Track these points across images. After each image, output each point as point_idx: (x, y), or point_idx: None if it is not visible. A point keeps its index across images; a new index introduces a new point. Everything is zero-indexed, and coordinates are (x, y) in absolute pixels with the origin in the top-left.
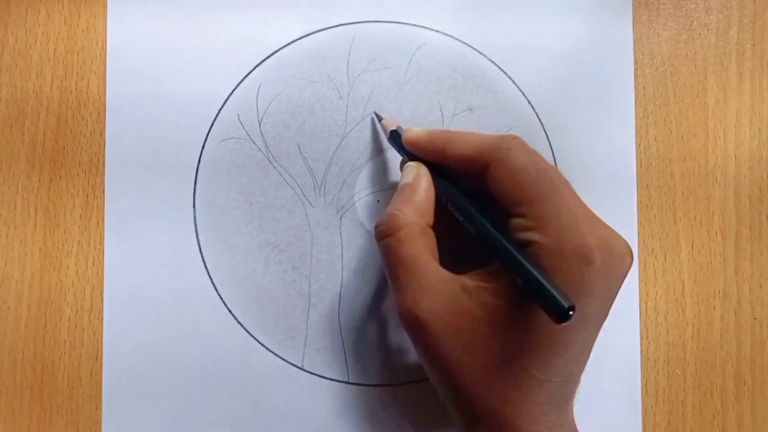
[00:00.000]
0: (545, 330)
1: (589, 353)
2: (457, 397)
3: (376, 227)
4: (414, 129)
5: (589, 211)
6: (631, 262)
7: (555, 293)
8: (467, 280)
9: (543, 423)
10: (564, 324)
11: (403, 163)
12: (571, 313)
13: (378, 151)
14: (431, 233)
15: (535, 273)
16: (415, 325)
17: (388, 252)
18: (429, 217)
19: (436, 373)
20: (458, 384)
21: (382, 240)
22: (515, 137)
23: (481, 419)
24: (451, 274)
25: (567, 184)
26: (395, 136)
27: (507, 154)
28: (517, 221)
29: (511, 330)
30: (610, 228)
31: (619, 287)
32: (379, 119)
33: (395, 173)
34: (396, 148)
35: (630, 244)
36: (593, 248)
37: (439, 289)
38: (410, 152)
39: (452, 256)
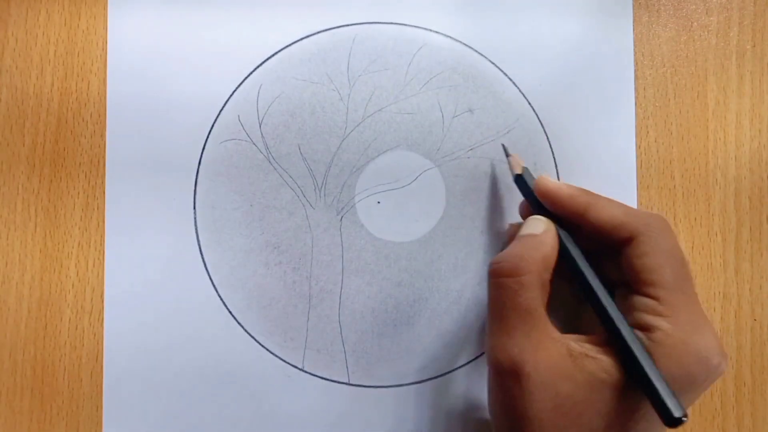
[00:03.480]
0: (639, 418)
1: None
2: None
3: (497, 263)
4: (549, 179)
5: (706, 315)
6: (726, 366)
7: (672, 399)
8: (574, 344)
9: None
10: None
11: (524, 206)
12: (684, 419)
13: (378, 152)
14: (548, 289)
15: (656, 374)
16: (512, 375)
17: (505, 293)
18: (549, 273)
19: (507, 422)
20: None
21: (501, 278)
22: (664, 219)
23: None
24: (559, 333)
25: (693, 281)
26: (520, 179)
27: (657, 234)
28: (646, 301)
29: (608, 407)
30: (718, 337)
31: None
32: (507, 154)
33: (395, 175)
34: (520, 189)
35: None
36: (716, 353)
37: (547, 345)
38: (536, 201)
39: (554, 313)
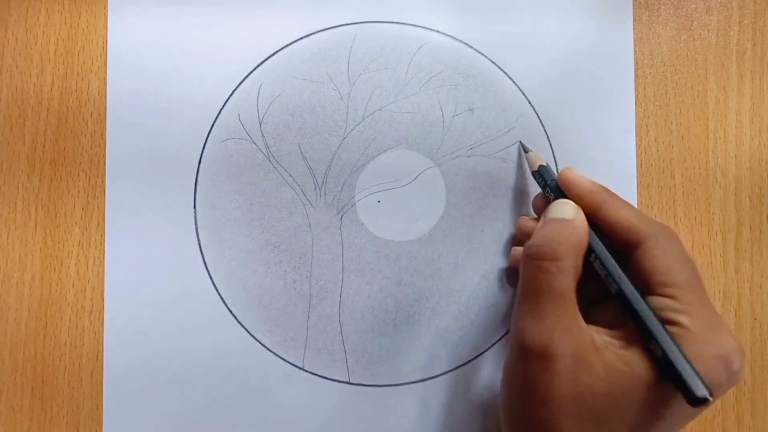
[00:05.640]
0: (661, 416)
1: None
2: None
3: (536, 246)
4: (574, 171)
5: (722, 318)
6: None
7: (696, 377)
8: (597, 336)
9: None
10: (695, 407)
11: (540, 199)
12: (710, 399)
13: (378, 151)
14: (580, 275)
15: (679, 352)
16: (540, 358)
17: (542, 276)
18: (582, 259)
19: (526, 407)
20: (550, 428)
21: (539, 261)
22: (671, 228)
23: None
24: (584, 322)
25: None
26: (541, 173)
27: (667, 240)
28: (662, 300)
29: (626, 398)
30: (738, 339)
31: None
32: (525, 150)
33: (395, 174)
34: (539, 183)
35: None
36: (736, 351)
37: (575, 333)
38: (558, 190)
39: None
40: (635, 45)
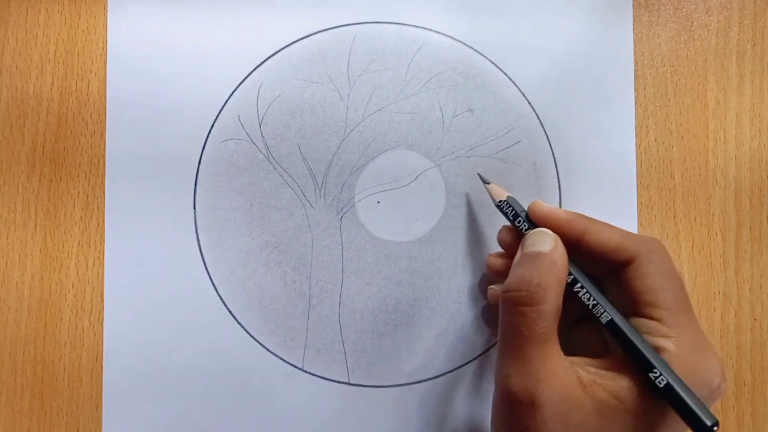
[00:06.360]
0: None
1: None
2: None
3: (514, 291)
4: (544, 204)
5: (707, 338)
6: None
7: (702, 406)
8: (583, 372)
9: None
10: None
11: (506, 231)
12: (715, 429)
13: (378, 151)
14: (560, 313)
15: (682, 382)
16: (526, 406)
17: (522, 322)
18: (561, 297)
19: None
20: None
21: (520, 307)
22: (661, 242)
23: None
24: (569, 360)
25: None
26: (505, 205)
27: (657, 256)
28: (649, 323)
29: (615, 431)
30: (720, 358)
31: None
32: (485, 182)
33: (395, 174)
34: (507, 215)
35: None
36: (718, 374)
37: (560, 374)
38: (532, 222)
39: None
40: (635, 45)
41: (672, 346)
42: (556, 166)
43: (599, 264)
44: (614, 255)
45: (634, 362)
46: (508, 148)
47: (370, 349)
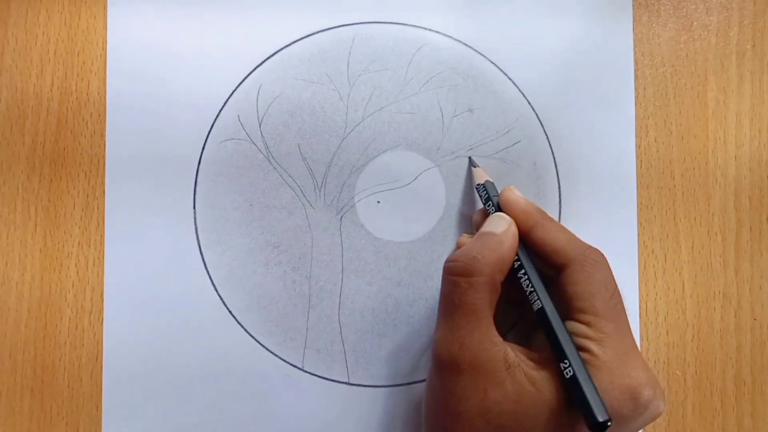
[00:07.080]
0: None
1: None
2: None
3: (452, 261)
4: (515, 191)
5: (638, 349)
6: (664, 409)
7: (600, 402)
8: (511, 353)
9: None
10: None
11: (479, 214)
12: (609, 424)
13: (378, 151)
14: (498, 290)
15: (587, 376)
16: (449, 369)
17: (454, 291)
18: (503, 275)
19: (438, 420)
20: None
21: (454, 276)
22: (601, 253)
23: None
24: (500, 338)
25: (626, 315)
26: (481, 188)
27: (592, 263)
28: (578, 326)
29: (530, 420)
30: (652, 372)
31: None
32: (473, 165)
33: (395, 174)
34: (481, 197)
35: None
36: (645, 384)
37: (486, 347)
38: (499, 207)
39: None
40: (635, 45)
41: (596, 349)
42: (555, 166)
43: (544, 262)
44: (554, 257)
45: (555, 354)
46: (507, 148)
47: (369, 349)
